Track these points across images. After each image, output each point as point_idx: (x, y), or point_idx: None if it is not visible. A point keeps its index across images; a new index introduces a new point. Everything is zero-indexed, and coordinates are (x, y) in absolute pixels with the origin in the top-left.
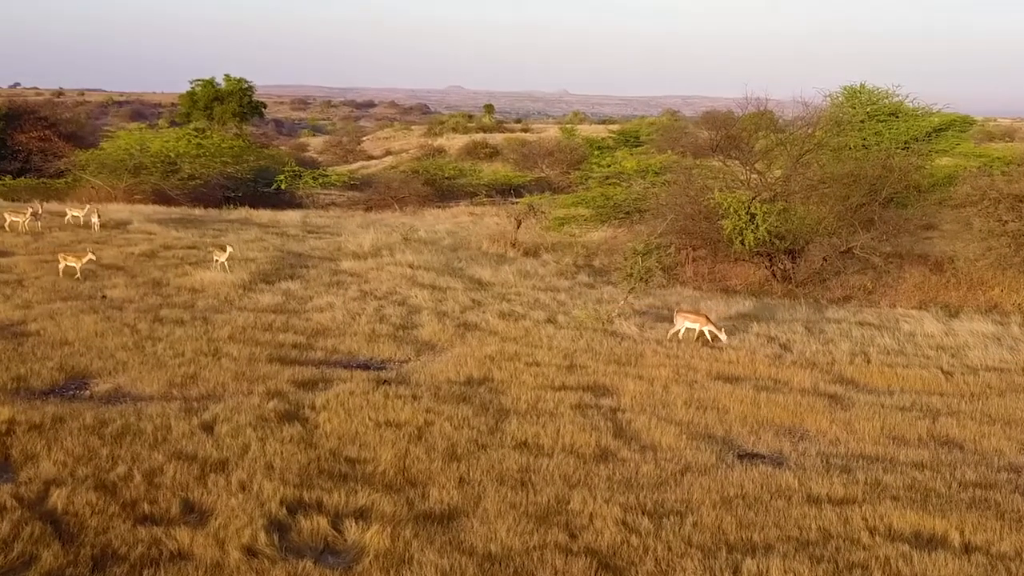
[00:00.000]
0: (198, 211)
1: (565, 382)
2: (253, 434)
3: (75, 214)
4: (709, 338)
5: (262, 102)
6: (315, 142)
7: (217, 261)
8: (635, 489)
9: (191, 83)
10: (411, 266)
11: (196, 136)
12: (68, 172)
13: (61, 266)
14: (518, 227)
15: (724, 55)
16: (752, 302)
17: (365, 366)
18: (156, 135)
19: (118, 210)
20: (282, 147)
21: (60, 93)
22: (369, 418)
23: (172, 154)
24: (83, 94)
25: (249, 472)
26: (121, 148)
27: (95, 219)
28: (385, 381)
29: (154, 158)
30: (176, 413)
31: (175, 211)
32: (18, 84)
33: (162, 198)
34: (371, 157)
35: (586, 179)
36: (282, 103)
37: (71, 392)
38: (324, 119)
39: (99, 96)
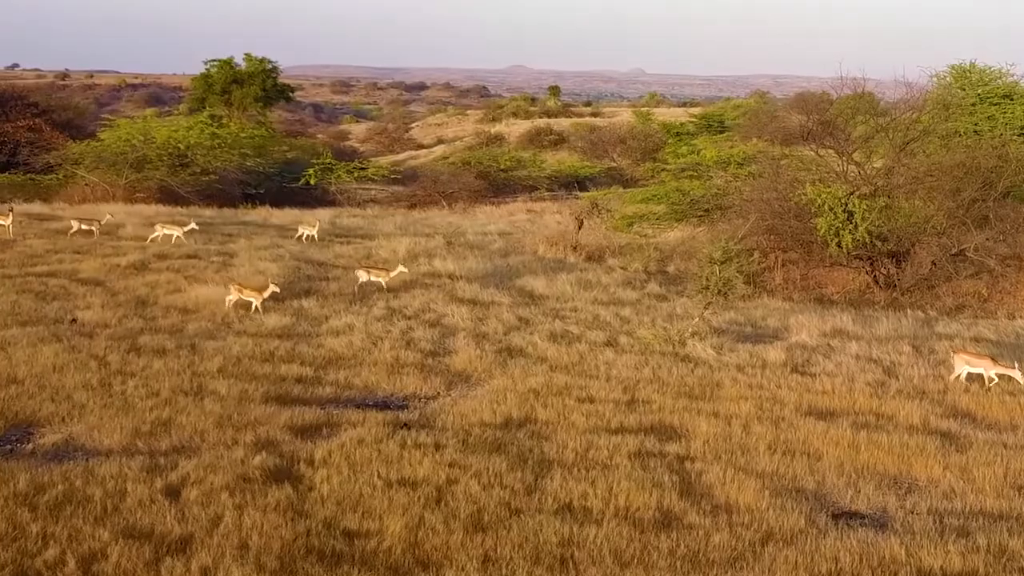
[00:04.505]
0: (209, 212)
1: (624, 423)
2: (229, 500)
3: (168, 231)
4: (993, 381)
5: (288, 85)
6: (357, 129)
7: (361, 281)
8: (703, 566)
9: (206, 64)
10: (451, 276)
11: (210, 124)
12: (59, 167)
13: (232, 299)
14: (579, 227)
15: (819, 30)
16: (850, 315)
17: (383, 404)
18: (162, 123)
19: (112, 211)
20: (319, 135)
21: (65, 75)
22: (378, 476)
23: (182, 145)
24: (92, 76)
25: (216, 554)
26: (122, 139)
27: (81, 225)
28: (404, 424)
29: (160, 150)
30: (136, 473)
31: (182, 212)
32: (17, 65)
33: (170, 197)
34: (421, 146)
35: (659, 171)
36: (322, 86)
37: (9, 446)
38: (369, 103)
39: (110, 79)
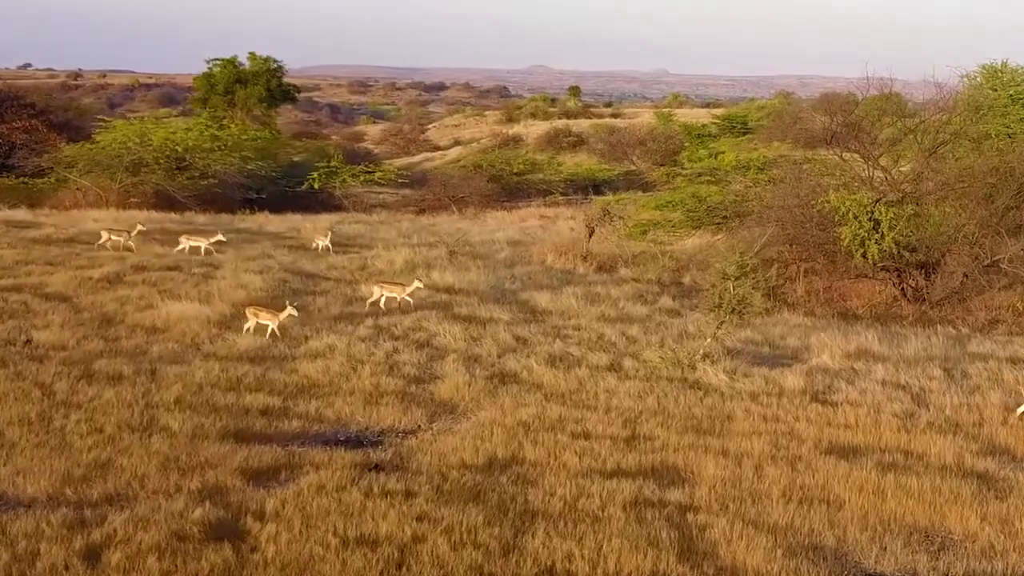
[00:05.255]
0: (203, 218)
1: (621, 464)
2: (156, 565)
3: (194, 243)
4: None
5: (294, 85)
6: (373, 131)
7: (374, 298)
8: None
9: (208, 63)
10: (449, 290)
11: (210, 126)
12: (50, 170)
13: (250, 324)
14: (590, 236)
15: (845, 30)
16: (876, 332)
17: (355, 441)
18: (159, 125)
19: (98, 218)
20: (333, 136)
21: (77, 75)
22: (334, 532)
23: (179, 148)
24: (104, 76)
25: None
26: (117, 141)
27: (111, 235)
28: (375, 466)
29: (157, 153)
30: (55, 530)
31: (174, 219)
32: (29, 65)
33: (166, 202)
34: (437, 148)
35: (674, 176)
36: (339, 86)
37: None
38: (387, 104)
39: (124, 78)
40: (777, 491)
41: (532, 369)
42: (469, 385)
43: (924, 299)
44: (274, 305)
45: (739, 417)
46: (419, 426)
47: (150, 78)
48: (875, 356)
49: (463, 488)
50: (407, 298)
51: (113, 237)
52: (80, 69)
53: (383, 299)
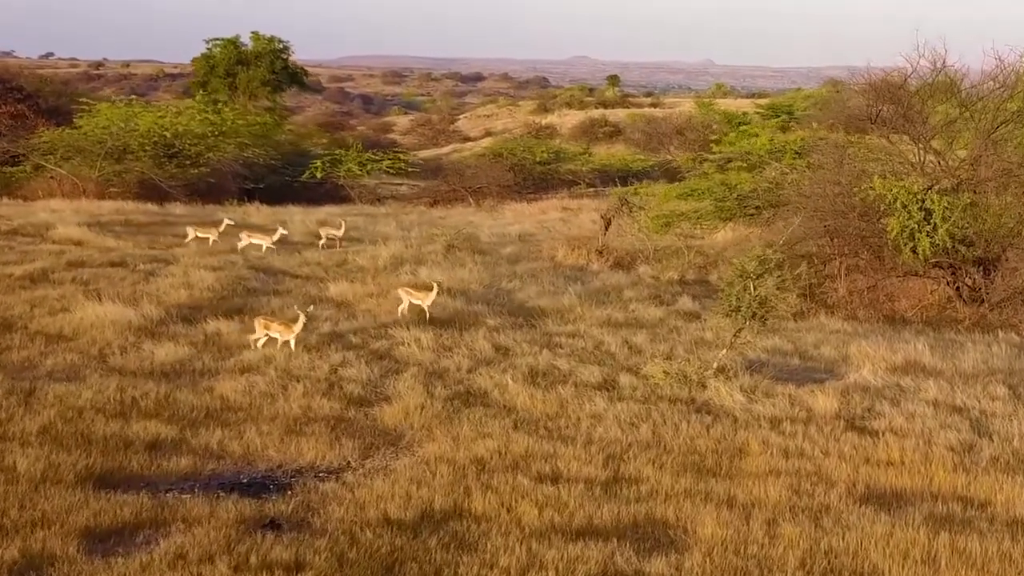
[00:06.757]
0: (181, 209)
1: (593, 518)
2: None
3: (256, 241)
4: None
5: (302, 68)
6: (402, 121)
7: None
8: None
9: (208, 43)
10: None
11: (204, 110)
12: (23, 157)
13: (259, 337)
14: (606, 229)
15: (897, 19)
16: (927, 339)
17: (259, 485)
18: (147, 109)
19: (57, 209)
20: (360, 127)
21: (100, 64)
22: None
23: (168, 133)
24: (128, 65)
25: None
26: (100, 126)
27: (197, 232)
28: (270, 522)
29: (143, 139)
30: None
31: (152, 209)
32: (51, 54)
33: (152, 192)
34: (467, 139)
35: (701, 161)
36: (372, 76)
37: None
38: (422, 94)
39: (148, 68)
40: (794, 559)
41: (506, 387)
42: (422, 408)
43: (982, 300)
44: (224, 305)
45: (754, 451)
46: (348, 463)
47: (175, 68)
48: (926, 370)
49: (374, 556)
50: (426, 306)
51: (200, 235)
52: (105, 59)
53: (407, 306)
